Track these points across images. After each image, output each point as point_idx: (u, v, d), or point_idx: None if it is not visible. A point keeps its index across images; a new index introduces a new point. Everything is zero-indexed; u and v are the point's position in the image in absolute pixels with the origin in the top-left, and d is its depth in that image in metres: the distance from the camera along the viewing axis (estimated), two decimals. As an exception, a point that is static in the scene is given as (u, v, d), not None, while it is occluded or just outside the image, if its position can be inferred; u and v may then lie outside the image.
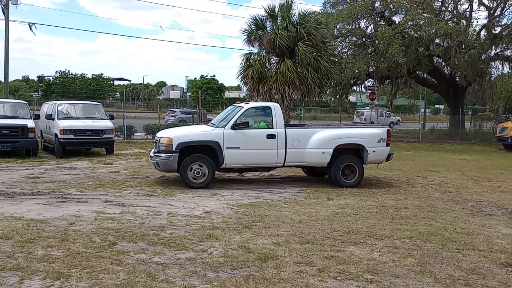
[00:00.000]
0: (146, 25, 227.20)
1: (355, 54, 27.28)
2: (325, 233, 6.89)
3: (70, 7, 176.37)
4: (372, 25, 28.54)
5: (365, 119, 43.40)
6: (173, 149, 10.31)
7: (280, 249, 6.04)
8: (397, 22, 27.64)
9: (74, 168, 13.21)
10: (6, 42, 24.48)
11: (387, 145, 11.38)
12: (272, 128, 10.83)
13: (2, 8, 24.24)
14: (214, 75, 79.80)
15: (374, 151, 11.09)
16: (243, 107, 11.10)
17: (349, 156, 11.12)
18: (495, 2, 28.18)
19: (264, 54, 19.66)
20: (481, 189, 11.51)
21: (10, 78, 27.62)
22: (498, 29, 27.77)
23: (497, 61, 28.84)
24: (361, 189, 10.75)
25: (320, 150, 10.84)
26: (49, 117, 16.36)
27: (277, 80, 18.37)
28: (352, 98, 44.81)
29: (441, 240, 6.69)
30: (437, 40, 26.51)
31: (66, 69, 67.58)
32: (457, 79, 28.42)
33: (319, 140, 10.90)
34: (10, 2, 24.11)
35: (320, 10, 30.02)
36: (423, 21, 25.73)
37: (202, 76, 79.76)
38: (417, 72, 29.66)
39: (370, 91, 29.25)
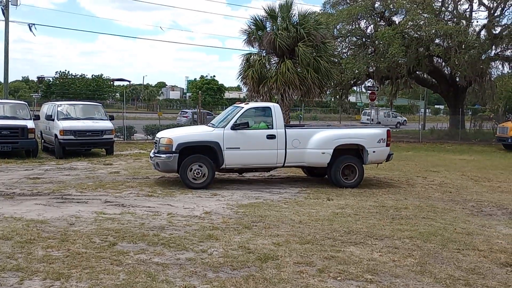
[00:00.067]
0: (146, 25, 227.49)
1: (355, 55, 27.27)
2: (325, 233, 6.88)
3: (70, 7, 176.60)
4: (372, 26, 28.55)
5: (372, 119, 43.70)
6: (173, 149, 10.31)
7: (280, 249, 6.04)
8: (397, 22, 27.65)
9: (74, 168, 13.21)
10: (6, 43, 24.49)
11: (387, 145, 11.38)
12: (272, 128, 10.83)
13: (1, 8, 24.25)
14: (214, 76, 79.80)
15: (374, 152, 11.09)
16: (243, 107, 11.10)
17: (349, 157, 11.12)
18: (495, 2, 28.18)
19: (264, 55, 19.67)
20: (481, 189, 11.51)
21: (10, 79, 27.65)
22: (498, 29, 27.78)
23: (497, 61, 28.84)
24: (361, 189, 10.75)
25: (320, 151, 10.84)
26: (49, 117, 16.37)
27: (277, 80, 18.38)
28: (352, 98, 44.80)
29: (441, 240, 6.69)
30: (437, 40, 26.51)
31: (66, 70, 67.77)
32: (457, 79, 28.41)
33: (319, 141, 10.90)
34: (10, 2, 24.13)
35: (320, 10, 30.09)
36: (423, 21, 25.73)
37: (202, 77, 79.78)
38: (417, 72, 29.66)
39: (370, 92, 29.26)
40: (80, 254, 5.64)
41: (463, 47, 24.68)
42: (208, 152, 10.51)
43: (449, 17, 28.46)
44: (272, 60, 19.96)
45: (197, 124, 23.49)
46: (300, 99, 21.03)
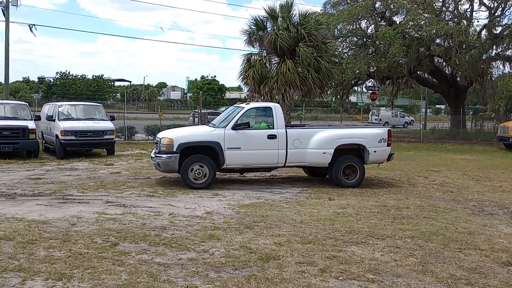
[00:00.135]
0: (147, 26, 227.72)
1: (355, 55, 27.26)
2: (326, 233, 6.89)
3: (70, 8, 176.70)
4: (372, 26, 28.53)
5: (380, 119, 43.87)
6: (174, 149, 10.32)
7: (281, 249, 6.04)
8: (397, 22, 27.63)
9: (75, 169, 13.22)
10: (6, 44, 24.53)
11: (388, 145, 11.38)
12: (273, 128, 10.83)
13: (2, 9, 24.29)
14: (214, 76, 79.95)
15: (375, 151, 11.09)
16: (243, 107, 11.10)
17: (350, 156, 11.11)
18: (495, 2, 28.14)
19: (265, 55, 19.67)
20: (483, 188, 11.50)
21: (11, 80, 27.68)
22: (499, 29, 27.72)
23: (498, 61, 28.80)
24: (362, 189, 10.75)
25: (321, 150, 10.84)
26: (50, 118, 16.39)
27: (277, 80, 18.38)
28: (353, 98, 44.81)
29: (443, 239, 6.69)
30: (438, 40, 26.49)
31: (66, 70, 67.88)
32: (458, 79, 28.39)
33: (320, 141, 10.89)
34: (10, 3, 24.16)
35: (320, 10, 30.09)
36: (423, 21, 25.70)
37: (202, 77, 79.89)
38: (418, 72, 29.64)
39: (371, 92, 29.26)
40: (82, 254, 5.64)
41: (464, 47, 24.66)
42: (209, 152, 10.51)
43: (450, 17, 28.44)
44: (273, 60, 19.96)
45: (199, 124, 23.47)
46: (301, 99, 21.03)
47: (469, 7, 28.96)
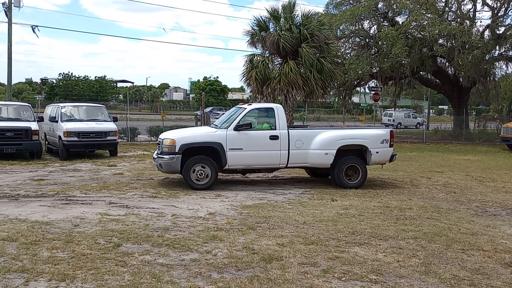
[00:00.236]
0: (149, 27, 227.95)
1: (358, 55, 27.25)
2: (329, 234, 6.88)
3: (73, 9, 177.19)
4: (375, 26, 28.49)
5: (393, 120, 43.98)
6: (176, 150, 10.33)
7: (284, 250, 6.04)
8: (400, 22, 27.61)
9: (78, 170, 13.25)
10: (9, 45, 24.59)
11: (391, 146, 11.36)
12: (275, 129, 10.83)
13: (4, 10, 24.36)
14: (217, 77, 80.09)
15: (377, 152, 11.08)
16: (245, 108, 11.11)
17: (352, 157, 11.11)
18: (498, 2, 28.08)
19: (267, 55, 19.68)
20: (486, 189, 11.48)
21: (13, 81, 27.80)
22: (502, 29, 27.64)
23: (501, 61, 28.72)
24: (365, 190, 10.74)
25: (323, 151, 10.84)
26: (53, 119, 16.43)
27: (280, 81, 18.39)
28: (355, 99, 44.79)
29: (446, 240, 6.68)
30: (440, 41, 26.43)
31: (69, 72, 67.99)
32: (461, 80, 28.34)
33: (322, 141, 10.89)
34: (12, 4, 24.23)
35: (323, 11, 30.08)
36: (426, 22, 25.68)
37: (205, 78, 80.00)
38: (421, 72, 29.60)
39: (373, 92, 29.24)
40: (85, 255, 5.65)
41: (466, 47, 24.62)
42: (211, 153, 10.52)
43: (453, 17, 28.39)
44: (275, 61, 19.98)
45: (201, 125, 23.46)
46: (303, 100, 21.03)
47: (472, 7, 28.91)
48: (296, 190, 10.69)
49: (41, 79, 73.60)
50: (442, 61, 29.23)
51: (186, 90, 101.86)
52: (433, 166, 15.89)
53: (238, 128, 10.57)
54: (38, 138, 15.56)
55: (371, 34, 28.34)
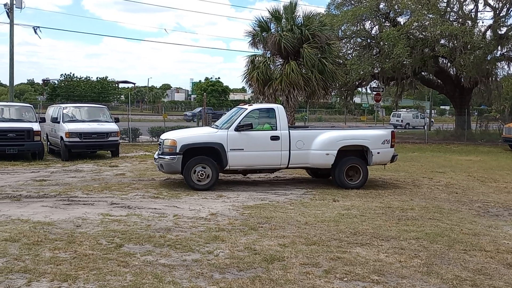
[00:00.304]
0: (150, 27, 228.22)
1: (360, 56, 27.24)
2: (331, 234, 6.88)
3: (74, 10, 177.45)
4: (377, 26, 28.48)
5: (402, 121, 44.08)
6: (177, 151, 10.34)
7: (286, 250, 6.04)
8: (402, 23, 27.58)
9: (80, 170, 13.27)
10: (11, 46, 24.65)
11: (392, 146, 11.35)
12: (276, 129, 10.83)
13: (6, 11, 24.42)
14: (218, 77, 80.00)
15: (378, 153, 11.07)
16: (246, 109, 11.11)
17: (353, 158, 11.10)
18: (500, 2, 28.05)
19: (269, 56, 19.67)
20: (488, 190, 11.46)
21: (15, 82, 27.84)
22: (503, 30, 27.62)
23: (503, 62, 28.69)
24: (367, 190, 10.74)
25: (324, 152, 10.83)
26: (55, 120, 16.46)
27: (282, 82, 18.39)
28: (357, 99, 44.75)
29: (448, 241, 6.67)
30: (442, 41, 26.41)
31: (70, 72, 67.94)
32: (463, 80, 28.31)
33: (323, 142, 10.89)
34: (14, 5, 24.28)
35: (324, 11, 30.07)
36: (428, 22, 25.64)
37: (207, 79, 79.99)
38: (423, 73, 29.59)
39: (375, 93, 29.22)
40: (87, 255, 5.66)
41: (468, 47, 24.59)
42: (212, 153, 10.53)
43: (455, 17, 28.36)
44: (277, 61, 19.97)
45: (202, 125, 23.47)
46: (305, 100, 21.03)
47: (473, 8, 28.88)
48: (298, 190, 10.69)
49: (43, 80, 73.65)
50: (444, 61, 29.22)
51: (188, 91, 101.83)
52: (435, 166, 15.87)
53: (239, 128, 10.57)
54: (40, 139, 15.60)
55: (372, 35, 28.33)
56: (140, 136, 23.95)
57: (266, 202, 9.26)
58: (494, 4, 28.27)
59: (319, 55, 18.70)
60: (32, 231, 6.66)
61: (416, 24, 25.91)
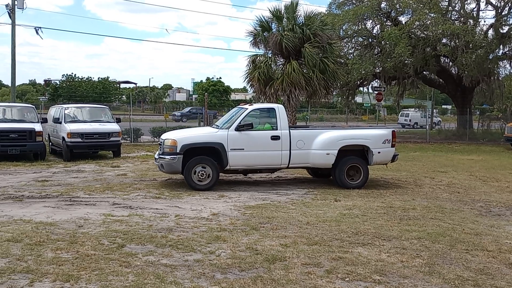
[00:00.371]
0: (152, 28, 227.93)
1: (361, 55, 27.22)
2: (332, 234, 6.88)
3: (76, 11, 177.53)
4: (378, 26, 28.46)
5: (410, 120, 44.13)
6: (177, 151, 10.34)
7: (287, 250, 6.04)
8: (403, 22, 27.55)
9: (81, 171, 13.29)
10: (12, 46, 24.69)
11: (392, 146, 11.34)
12: (277, 129, 10.83)
13: (8, 12, 24.47)
14: (220, 77, 79.98)
15: (379, 152, 11.05)
16: (247, 108, 11.11)
17: (353, 157, 11.09)
18: (502, 1, 28.00)
19: (270, 56, 19.68)
20: (490, 189, 11.44)
21: (17, 82, 27.86)
22: (505, 28, 27.55)
23: (505, 61, 28.63)
24: (368, 190, 10.73)
25: (324, 152, 10.82)
26: (56, 120, 16.50)
27: (283, 81, 18.40)
28: (358, 99, 44.73)
29: (450, 240, 6.67)
30: (444, 40, 26.38)
31: (72, 73, 68.12)
32: (464, 79, 28.27)
33: (323, 142, 10.88)
34: (16, 6, 24.32)
35: (325, 11, 30.05)
36: (430, 21, 25.61)
37: (208, 78, 79.96)
38: (424, 72, 29.54)
39: (376, 92, 29.19)
40: (89, 256, 5.67)
41: (470, 46, 24.55)
42: (212, 153, 10.53)
43: (456, 16, 28.32)
44: (278, 61, 19.99)
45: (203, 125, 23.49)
46: (306, 100, 21.03)
47: (475, 7, 28.85)
48: (299, 190, 10.69)
49: (45, 81, 73.67)
50: (446, 60, 29.18)
51: (189, 91, 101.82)
52: (437, 166, 15.85)
53: (239, 128, 10.57)
54: (42, 140, 15.64)
55: (374, 34, 28.30)
56: (141, 136, 23.98)
57: (267, 202, 9.27)
58: (496, 3, 28.27)
59: (321, 54, 18.71)
60: (34, 232, 6.67)
61: (418, 23, 25.87)
